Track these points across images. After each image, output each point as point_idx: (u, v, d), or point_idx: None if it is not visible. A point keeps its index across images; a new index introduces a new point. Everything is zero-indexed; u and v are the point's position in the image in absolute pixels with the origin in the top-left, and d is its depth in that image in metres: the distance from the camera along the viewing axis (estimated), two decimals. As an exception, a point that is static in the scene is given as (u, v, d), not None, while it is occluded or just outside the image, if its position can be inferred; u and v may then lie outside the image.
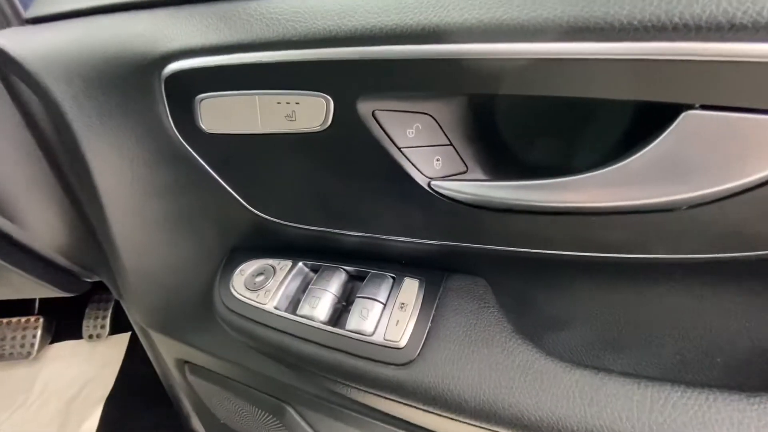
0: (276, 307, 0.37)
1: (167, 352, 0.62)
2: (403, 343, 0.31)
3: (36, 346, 0.98)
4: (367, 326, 0.33)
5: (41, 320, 1.00)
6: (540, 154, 0.29)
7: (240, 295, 0.39)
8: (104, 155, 0.37)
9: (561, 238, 0.29)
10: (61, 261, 0.62)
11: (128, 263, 0.46)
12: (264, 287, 0.38)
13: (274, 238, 0.39)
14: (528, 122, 0.29)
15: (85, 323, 1.03)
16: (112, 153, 0.37)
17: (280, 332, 0.36)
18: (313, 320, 0.35)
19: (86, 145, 0.36)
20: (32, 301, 1.05)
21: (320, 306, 0.35)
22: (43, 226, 0.58)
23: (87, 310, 1.04)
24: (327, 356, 0.34)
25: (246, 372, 0.49)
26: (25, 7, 0.40)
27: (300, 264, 0.39)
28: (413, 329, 0.31)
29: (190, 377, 0.61)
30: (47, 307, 1.06)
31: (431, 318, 0.32)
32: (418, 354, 0.30)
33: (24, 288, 0.62)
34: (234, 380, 0.53)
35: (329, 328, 0.35)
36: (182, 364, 0.60)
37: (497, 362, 0.29)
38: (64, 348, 1.06)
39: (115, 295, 0.69)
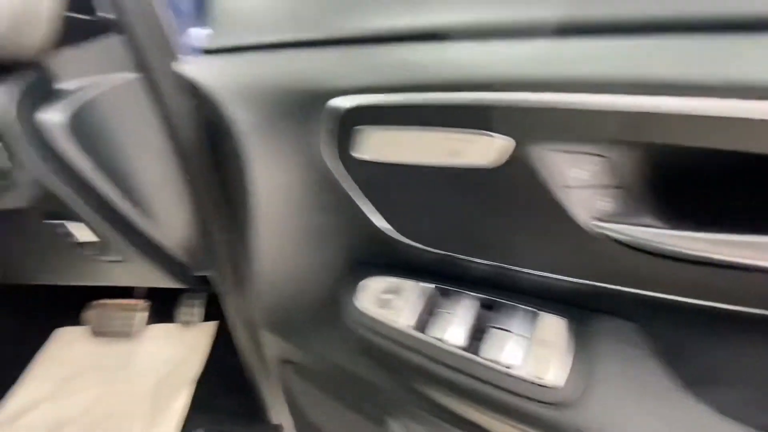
0: (407, 326, 0.39)
1: (272, 350, 0.66)
2: (557, 382, 0.31)
3: (138, 327, 1.08)
4: (508, 358, 0.33)
5: (143, 304, 1.10)
6: (724, 207, 0.28)
7: (368, 309, 0.41)
8: (266, 173, 0.41)
9: (734, 291, 0.28)
10: (180, 255, 0.69)
11: (259, 267, 0.50)
12: (394, 305, 0.40)
13: (403, 258, 0.41)
14: (711, 173, 0.28)
15: (178, 310, 1.12)
16: (273, 171, 0.40)
17: (411, 350, 0.37)
18: (445, 342, 0.36)
19: (252, 163, 0.40)
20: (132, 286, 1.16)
21: (453, 329, 0.36)
22: (170, 224, 0.64)
23: (181, 298, 1.14)
24: (460, 380, 0.35)
25: (354, 379, 0.52)
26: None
27: (430, 286, 0.41)
28: (570, 370, 0.31)
29: (291, 376, 0.64)
30: (145, 292, 1.17)
31: (587, 360, 0.32)
32: (580, 397, 0.30)
33: (144, 277, 0.70)
34: (338, 385, 0.55)
35: (464, 353, 0.36)
36: (284, 363, 0.64)
37: (668, 417, 0.28)
38: (159, 330, 1.16)
39: (219, 290, 0.75)
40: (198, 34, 0.61)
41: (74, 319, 1.20)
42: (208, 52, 0.42)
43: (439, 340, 0.36)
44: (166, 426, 0.97)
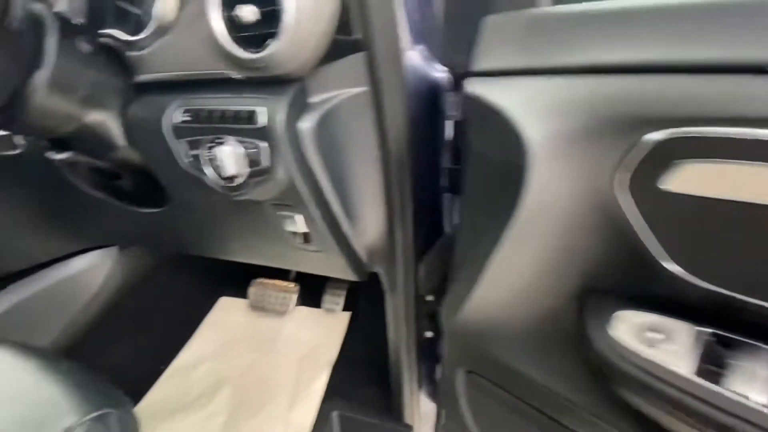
0: (691, 373, 0.36)
1: (455, 357, 0.68)
2: None
3: (290, 307, 1.21)
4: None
5: (298, 287, 1.23)
6: None
7: (629, 345, 0.40)
8: (542, 195, 0.42)
9: None
10: (362, 253, 0.75)
11: (485, 281, 0.51)
12: (662, 346, 0.38)
13: (678, 296, 0.39)
14: None
15: (324, 297, 1.22)
16: (549, 194, 0.41)
17: (696, 399, 0.35)
18: (748, 399, 0.33)
19: (530, 181, 0.41)
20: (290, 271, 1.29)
21: (756, 386, 0.33)
22: (364, 226, 0.70)
23: (326, 287, 1.24)
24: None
25: (554, 402, 0.51)
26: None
27: (707, 330, 0.38)
28: None
29: (472, 384, 0.66)
30: (295, 276, 1.30)
31: None
32: None
33: (330, 267, 0.77)
34: (530, 405, 0.55)
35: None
36: (469, 373, 0.66)
37: None
38: (304, 312, 1.28)
39: (386, 287, 0.80)
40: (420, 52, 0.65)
41: (236, 291, 1.38)
42: (483, 74, 0.44)
43: (742, 395, 0.34)
44: (308, 404, 1.06)
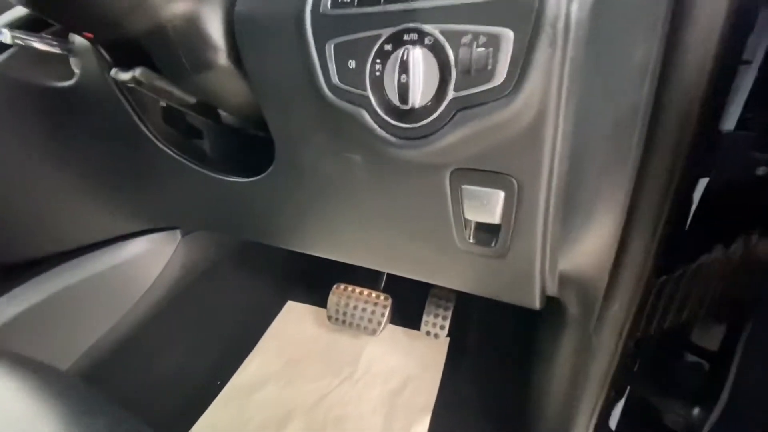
0: None
1: None
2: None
3: (382, 326, 0.95)
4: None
5: (390, 300, 0.96)
6: None
7: None
8: None
9: None
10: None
11: None
12: None
13: None
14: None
15: (425, 318, 0.95)
16: None
17: None
18: None
19: None
20: (379, 276, 1.03)
21: None
22: (586, 221, 0.43)
23: (427, 304, 0.97)
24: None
25: None
26: None
27: None
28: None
29: None
30: (388, 284, 1.04)
31: None
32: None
33: (499, 284, 0.50)
34: None
35: None
36: None
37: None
38: (398, 334, 1.02)
39: (567, 315, 0.53)
40: None
41: (307, 293, 1.15)
42: None
43: None
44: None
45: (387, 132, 0.33)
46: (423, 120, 0.31)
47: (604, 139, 0.36)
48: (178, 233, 0.86)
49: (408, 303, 1.01)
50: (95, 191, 0.70)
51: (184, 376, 0.94)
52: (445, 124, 0.31)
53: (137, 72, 0.39)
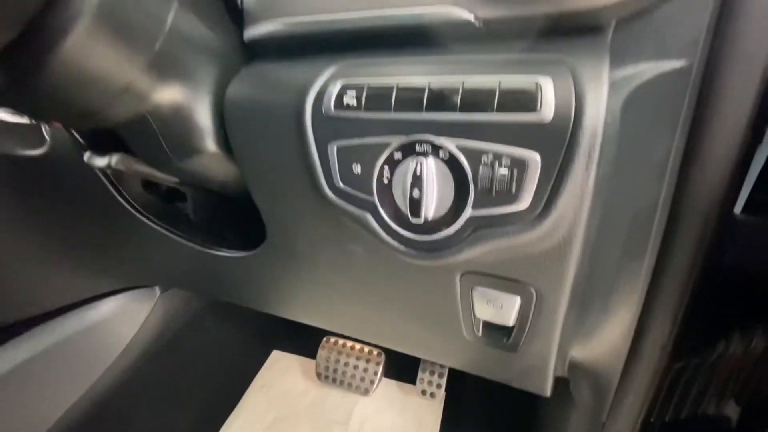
0: None
1: None
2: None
3: (375, 385, 0.89)
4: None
5: (383, 356, 0.91)
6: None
7: None
8: None
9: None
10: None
11: None
12: None
13: None
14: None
15: (420, 375, 0.90)
16: None
17: None
18: None
19: None
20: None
21: None
22: (602, 311, 0.41)
23: (423, 363, 0.92)
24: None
25: None
26: None
27: None
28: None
29: None
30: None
31: None
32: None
33: (508, 372, 0.47)
34: None
35: None
36: None
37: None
38: (391, 389, 0.96)
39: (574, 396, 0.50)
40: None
41: (293, 341, 1.09)
42: None
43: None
44: None
45: (394, 239, 0.30)
46: (436, 234, 0.28)
47: (622, 235, 0.34)
48: (157, 289, 0.81)
49: (411, 357, 0.97)
50: (70, 254, 0.64)
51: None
52: (462, 241, 0.28)
53: (114, 159, 0.35)
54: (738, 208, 0.47)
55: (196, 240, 0.51)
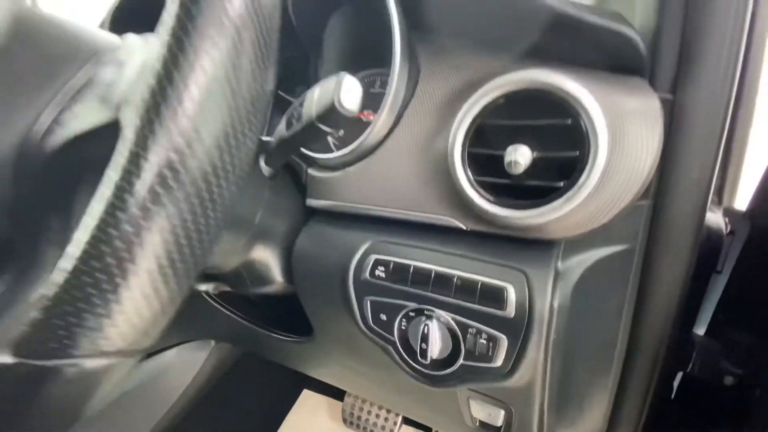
0: None
1: None
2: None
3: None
4: None
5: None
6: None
7: None
8: None
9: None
10: None
11: None
12: None
13: None
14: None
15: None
16: None
17: None
18: None
19: None
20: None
21: None
22: (574, 419, 0.50)
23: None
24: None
25: None
26: None
27: None
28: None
29: None
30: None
31: None
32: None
33: None
34: None
35: None
36: None
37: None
38: None
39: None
40: None
41: (321, 382, 1.20)
42: None
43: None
44: None
45: (409, 369, 0.42)
46: (438, 371, 0.39)
47: (588, 360, 0.44)
48: (212, 341, 0.94)
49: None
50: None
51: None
52: (457, 378, 0.39)
53: (211, 287, 0.49)
54: (701, 330, 0.56)
55: (258, 324, 0.64)
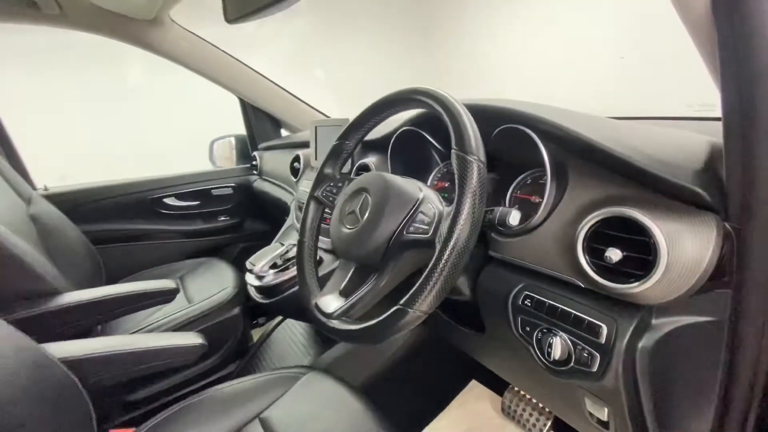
0: None
1: None
2: None
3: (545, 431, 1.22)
4: None
5: (553, 415, 1.23)
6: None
7: None
8: None
9: None
10: None
11: None
12: None
13: None
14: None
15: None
16: None
17: None
18: None
19: None
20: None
21: None
22: None
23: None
24: None
25: None
26: None
27: None
28: None
29: None
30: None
31: None
32: None
33: None
34: None
35: None
36: None
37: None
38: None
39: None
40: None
41: (487, 378, 1.49)
42: None
43: None
44: None
45: (540, 361, 0.69)
46: (558, 367, 0.66)
47: (688, 394, 0.62)
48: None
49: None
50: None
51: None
52: (568, 374, 0.64)
53: None
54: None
55: (453, 319, 0.99)
